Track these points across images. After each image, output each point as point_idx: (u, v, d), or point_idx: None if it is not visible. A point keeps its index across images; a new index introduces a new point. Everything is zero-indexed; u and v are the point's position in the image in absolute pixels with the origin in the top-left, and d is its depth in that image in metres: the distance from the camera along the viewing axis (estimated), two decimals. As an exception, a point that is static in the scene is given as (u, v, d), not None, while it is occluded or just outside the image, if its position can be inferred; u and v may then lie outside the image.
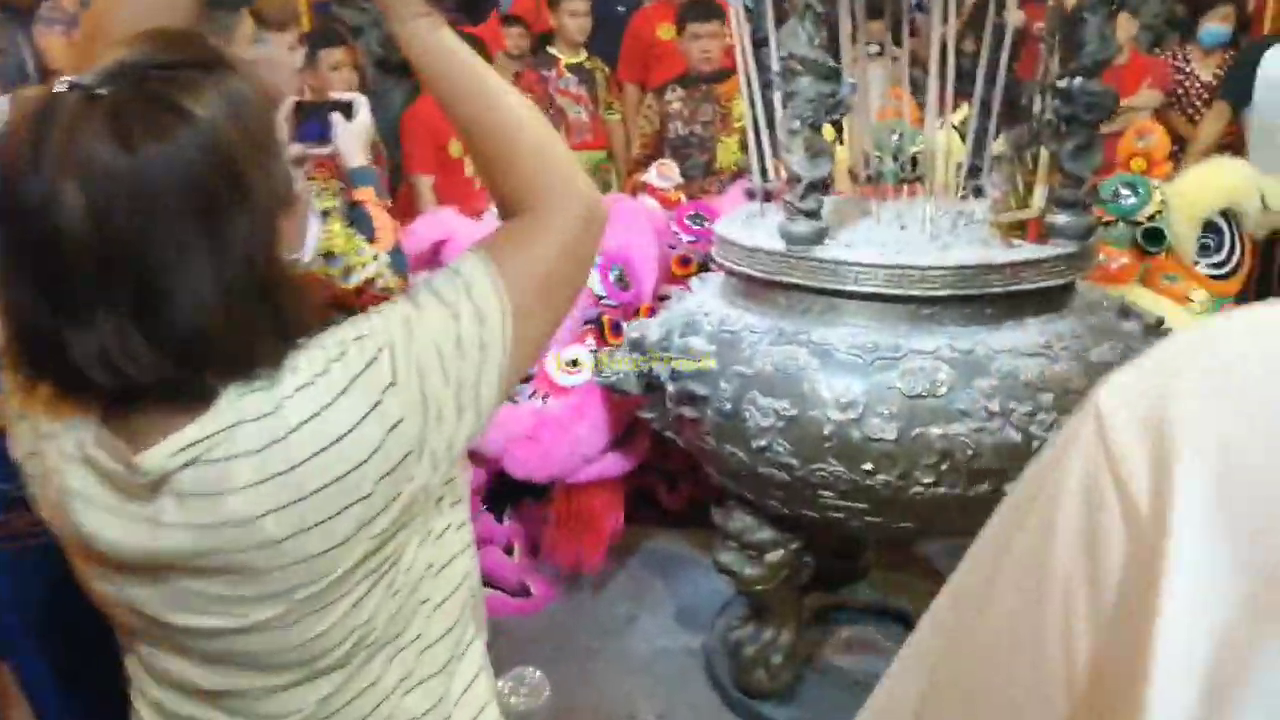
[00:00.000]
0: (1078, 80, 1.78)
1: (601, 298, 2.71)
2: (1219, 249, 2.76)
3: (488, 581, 2.82)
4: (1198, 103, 4.25)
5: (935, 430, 1.76)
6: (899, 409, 1.77)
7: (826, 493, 1.88)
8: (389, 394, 0.80)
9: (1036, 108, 1.87)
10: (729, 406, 1.92)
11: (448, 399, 0.83)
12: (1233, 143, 3.82)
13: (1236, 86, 3.77)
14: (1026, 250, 1.85)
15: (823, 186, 1.85)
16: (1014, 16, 2.04)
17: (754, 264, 1.96)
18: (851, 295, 1.85)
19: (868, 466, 1.81)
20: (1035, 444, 1.78)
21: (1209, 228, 2.74)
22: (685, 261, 3.06)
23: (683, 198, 3.39)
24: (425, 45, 0.87)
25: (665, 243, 3.11)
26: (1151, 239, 2.73)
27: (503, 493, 2.92)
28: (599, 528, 2.84)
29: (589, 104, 4.26)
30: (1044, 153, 1.90)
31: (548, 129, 0.91)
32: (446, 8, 0.97)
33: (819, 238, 1.87)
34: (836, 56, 1.82)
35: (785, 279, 1.91)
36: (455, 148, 3.72)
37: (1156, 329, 2.12)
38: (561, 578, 2.94)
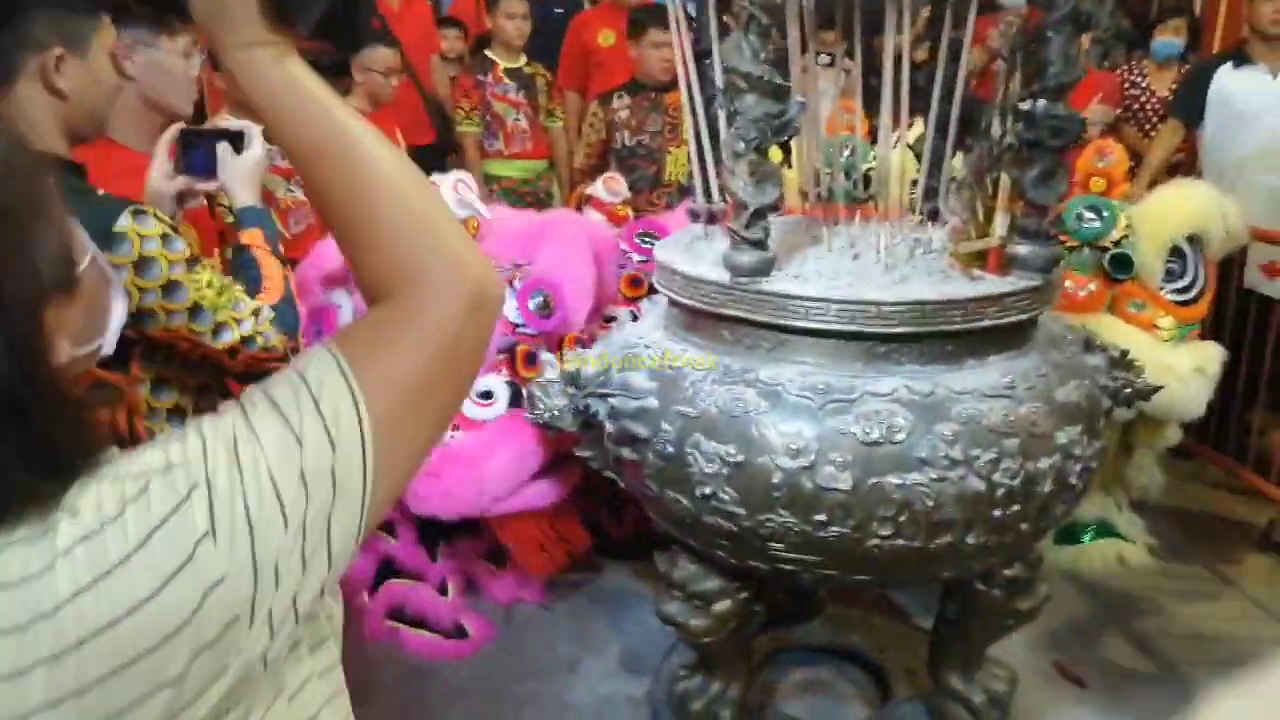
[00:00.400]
0: (1041, 103, 1.65)
1: (518, 326, 2.54)
2: (1183, 274, 2.68)
3: (419, 623, 2.65)
4: (1154, 118, 4.20)
5: (893, 479, 1.63)
6: (854, 456, 1.63)
7: (776, 544, 1.74)
8: (203, 547, 0.61)
9: (996, 130, 1.74)
10: (671, 450, 1.77)
11: (288, 549, 0.65)
12: (1186, 160, 3.77)
13: (1188, 104, 3.72)
14: (989, 284, 1.73)
15: (769, 213, 1.70)
16: (971, 30, 1.93)
17: (697, 295, 1.81)
18: (802, 331, 1.71)
19: (820, 518, 1.67)
20: (999, 492, 1.66)
21: (1173, 253, 2.65)
22: (636, 283, 2.90)
23: (630, 213, 3.24)
24: (268, 83, 0.69)
25: (613, 261, 2.95)
26: (1119, 265, 2.64)
27: (435, 526, 2.75)
28: (532, 561, 2.68)
29: (529, 111, 4.10)
30: (1005, 178, 1.78)
31: (427, 192, 0.74)
32: (300, 33, 0.83)
33: (766, 268, 1.73)
34: (785, 70, 1.67)
35: (730, 312, 1.76)
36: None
37: (1122, 363, 2.02)
38: (500, 616, 2.78)
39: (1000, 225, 1.81)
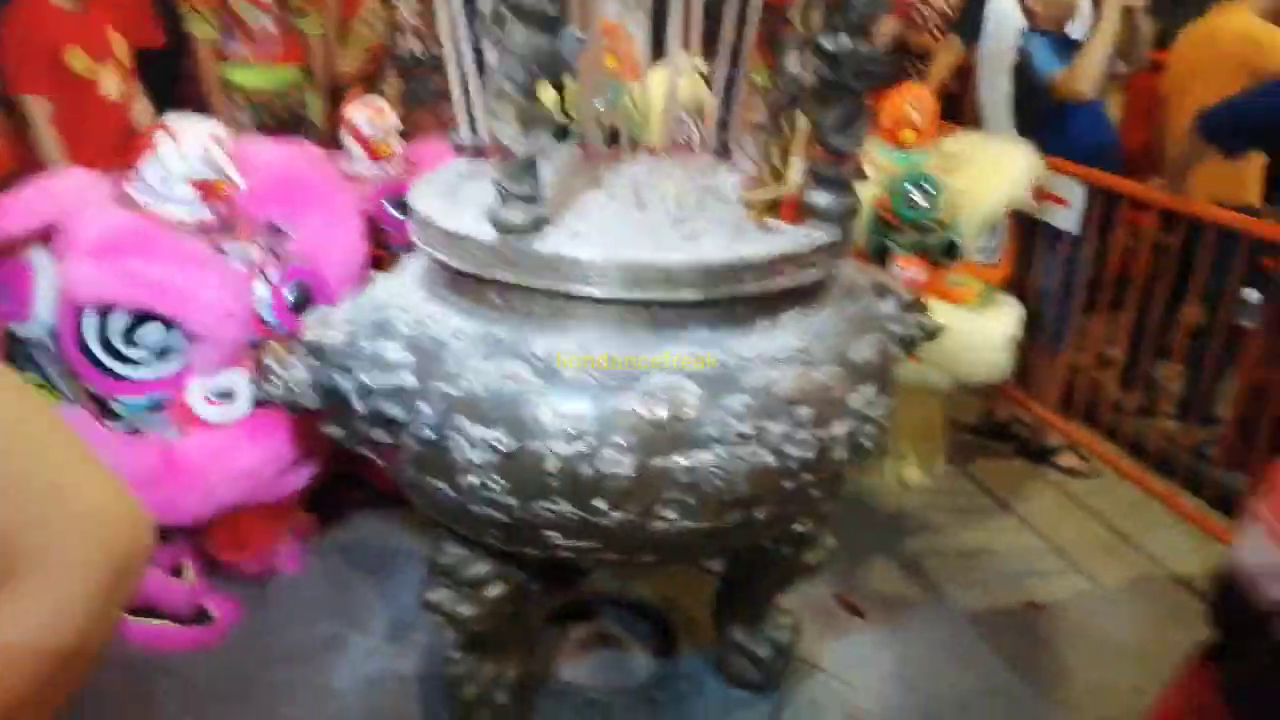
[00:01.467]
0: (844, 39, 1.47)
1: (269, 323, 2.19)
2: (990, 238, 2.64)
3: (151, 612, 2.30)
4: (935, 30, 4.21)
5: (680, 460, 1.47)
6: (638, 438, 1.45)
7: (552, 532, 1.55)
8: None
9: (794, 67, 1.55)
10: (431, 435, 1.53)
11: None
12: (962, 73, 3.79)
13: (966, 19, 3.72)
14: (784, 239, 1.57)
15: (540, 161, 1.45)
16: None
17: (460, 255, 1.55)
18: (582, 298, 1.49)
19: (600, 504, 1.49)
20: (791, 464, 1.54)
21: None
22: (386, 247, 2.55)
23: (396, 148, 2.82)
24: None
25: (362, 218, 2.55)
26: (948, 254, 2.57)
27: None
28: (268, 534, 2.38)
29: (276, 10, 3.50)
30: (802, 120, 1.60)
31: (47, 419, 0.57)
32: None
33: (538, 226, 1.48)
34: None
35: (499, 276, 1.51)
36: (77, 60, 2.92)
37: (913, 306, 1.94)
38: (252, 594, 2.47)
39: (796, 172, 1.65)
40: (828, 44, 1.45)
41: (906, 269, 2.55)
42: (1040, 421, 3.29)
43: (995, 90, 3.39)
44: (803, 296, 1.63)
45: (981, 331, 2.55)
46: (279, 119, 3.45)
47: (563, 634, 2.38)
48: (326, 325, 1.69)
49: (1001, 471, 3.27)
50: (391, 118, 2.79)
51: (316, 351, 1.66)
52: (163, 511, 2.05)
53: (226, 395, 2.13)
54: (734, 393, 1.49)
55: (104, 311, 2.07)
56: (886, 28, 3.97)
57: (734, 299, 1.53)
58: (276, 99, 3.50)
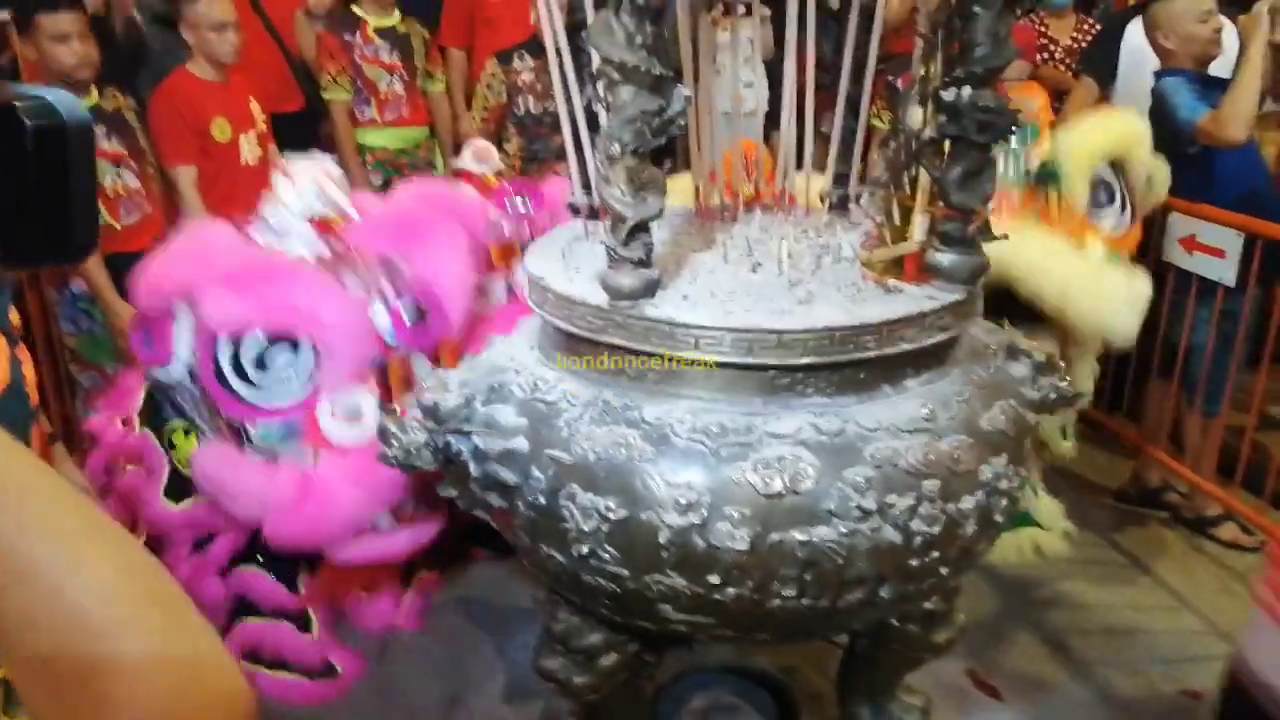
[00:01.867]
0: (966, 91, 1.41)
1: (387, 343, 2.24)
2: (1111, 201, 2.53)
3: (279, 664, 2.36)
4: (1064, 65, 4.08)
5: (796, 535, 1.40)
6: (752, 510, 1.39)
7: (665, 606, 1.50)
8: None
9: (915, 121, 1.49)
10: (543, 501, 1.51)
11: None
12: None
13: (1100, 59, 3.56)
14: (906, 300, 1.50)
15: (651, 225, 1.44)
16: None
17: (572, 318, 1.54)
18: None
19: (714, 580, 1.43)
20: (917, 541, 1.45)
21: (1098, 186, 2.50)
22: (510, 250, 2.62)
23: (507, 186, 2.91)
24: None
25: (483, 234, 2.64)
26: (1044, 179, 2.48)
27: (292, 554, 2.45)
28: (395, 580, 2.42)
29: (404, 74, 3.67)
30: (924, 175, 1.54)
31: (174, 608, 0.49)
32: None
33: (649, 290, 1.46)
34: (666, 55, 1.39)
35: (610, 340, 1.49)
36: (220, 129, 3.11)
37: (1047, 368, 1.82)
38: (373, 649, 2.50)
39: (919, 229, 1.58)
40: (948, 96, 1.39)
41: (1002, 197, 2.43)
42: (1197, 489, 3.04)
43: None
44: (928, 361, 1.55)
45: (1099, 271, 2.40)
46: (406, 177, 3.59)
47: (681, 703, 2.31)
48: (444, 388, 1.70)
49: (1153, 542, 3.03)
50: (493, 155, 2.87)
51: (432, 414, 1.67)
52: (302, 536, 2.14)
53: (354, 414, 2.18)
54: (855, 464, 1.42)
55: (237, 338, 2.17)
56: (1014, 72, 3.85)
57: (853, 364, 1.46)
58: (404, 157, 3.66)
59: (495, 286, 2.61)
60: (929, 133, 1.47)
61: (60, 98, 0.56)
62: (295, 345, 2.20)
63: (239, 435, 2.23)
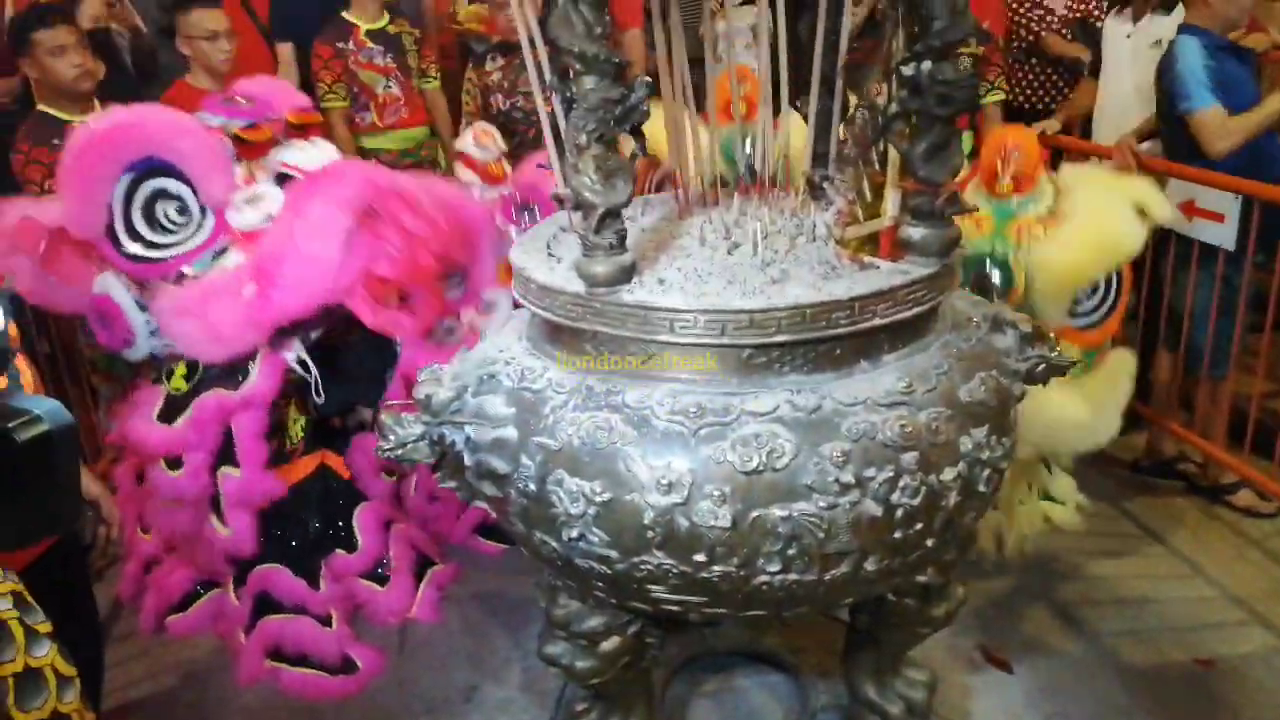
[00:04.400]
0: (926, 65, 1.43)
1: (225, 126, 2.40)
2: (1091, 296, 2.40)
3: (301, 660, 2.42)
4: (1064, 34, 4.08)
5: (777, 511, 1.43)
6: (732, 488, 1.42)
7: (656, 586, 1.53)
8: None
9: (882, 97, 1.52)
10: (533, 488, 1.54)
11: None
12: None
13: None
14: (878, 277, 1.51)
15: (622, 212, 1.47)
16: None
17: (554, 307, 1.58)
18: (670, 345, 1.49)
19: (701, 558, 1.46)
20: (898, 514, 1.47)
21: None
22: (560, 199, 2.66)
23: (506, 169, 2.95)
24: None
25: (489, 239, 2.68)
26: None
27: (310, 550, 2.52)
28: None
29: (399, 75, 3.72)
30: (894, 151, 1.56)
31: None
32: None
33: (625, 276, 1.49)
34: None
35: (590, 326, 1.53)
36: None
37: (1035, 338, 1.83)
38: (392, 642, 2.56)
39: (891, 205, 1.60)
40: (908, 70, 1.41)
41: None
42: (1209, 457, 3.02)
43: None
44: (905, 335, 1.57)
45: (1056, 411, 2.28)
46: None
47: (693, 686, 2.35)
48: (437, 381, 1.75)
49: (1167, 512, 3.02)
50: (496, 140, 2.89)
51: (427, 406, 1.72)
52: (291, 295, 2.22)
53: (254, 199, 2.31)
54: (832, 439, 1.44)
55: (125, 215, 2.29)
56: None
57: (828, 341, 1.49)
58: (408, 159, 3.71)
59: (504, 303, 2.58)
60: (893, 108, 1.49)
61: (47, 408, 0.62)
62: (170, 195, 2.32)
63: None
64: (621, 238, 1.48)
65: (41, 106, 2.94)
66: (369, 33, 3.69)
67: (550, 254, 1.71)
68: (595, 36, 1.34)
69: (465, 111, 3.64)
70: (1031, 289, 2.31)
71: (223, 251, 2.33)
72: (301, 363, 2.39)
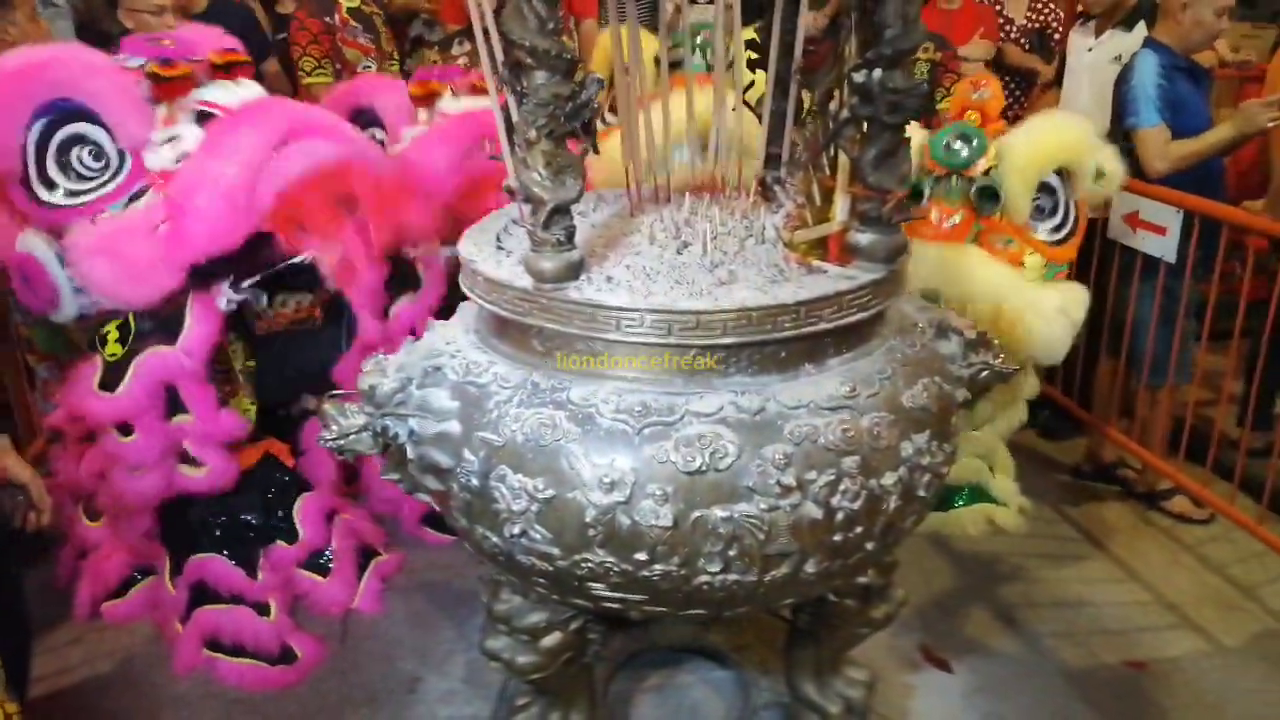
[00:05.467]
0: (877, 73, 1.44)
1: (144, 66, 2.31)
2: (1053, 212, 2.52)
3: (239, 651, 2.39)
4: (1022, 43, 4.14)
5: (718, 512, 1.43)
6: (675, 488, 1.42)
7: (596, 584, 1.53)
8: None
9: (834, 103, 1.52)
10: (475, 483, 1.53)
11: None
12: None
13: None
14: (825, 281, 1.52)
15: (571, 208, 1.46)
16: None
17: (501, 301, 1.57)
18: (616, 343, 1.48)
19: (641, 556, 1.46)
20: (838, 517, 1.48)
21: (1043, 189, 2.49)
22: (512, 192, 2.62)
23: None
24: None
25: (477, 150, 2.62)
26: (986, 198, 2.47)
27: (249, 538, 2.48)
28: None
29: (375, 56, 3.67)
30: (844, 156, 1.57)
31: None
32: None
33: (572, 273, 1.49)
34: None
35: (537, 323, 1.52)
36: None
37: (979, 344, 1.86)
38: (335, 631, 2.54)
39: (841, 209, 1.61)
40: (859, 78, 1.42)
41: (944, 215, 2.44)
42: (1146, 464, 3.09)
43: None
44: (850, 339, 1.58)
45: (1028, 297, 2.40)
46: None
47: (636, 681, 2.36)
48: (381, 372, 1.73)
49: (1106, 517, 3.08)
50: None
51: (370, 398, 1.70)
52: (210, 236, 2.14)
53: (171, 138, 2.24)
54: (774, 441, 1.45)
55: (39, 164, 2.19)
56: (979, 51, 3.89)
57: (774, 344, 1.49)
58: None
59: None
60: (844, 114, 1.50)
61: None
62: (86, 140, 2.22)
63: None
64: (570, 234, 1.47)
65: None
66: (350, 10, 3.64)
67: (500, 246, 1.71)
68: (547, 31, 1.33)
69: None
70: (1003, 165, 2.44)
71: (141, 193, 2.23)
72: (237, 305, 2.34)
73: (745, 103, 1.99)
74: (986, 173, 2.49)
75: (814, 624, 1.99)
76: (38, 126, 2.18)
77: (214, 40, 2.54)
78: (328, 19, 3.63)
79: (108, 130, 2.22)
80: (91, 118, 2.21)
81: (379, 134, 2.75)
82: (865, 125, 1.50)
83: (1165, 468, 3.01)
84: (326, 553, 2.60)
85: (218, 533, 2.44)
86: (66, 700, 2.34)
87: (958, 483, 2.89)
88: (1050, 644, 2.48)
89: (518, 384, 1.55)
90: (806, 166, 1.58)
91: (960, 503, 2.90)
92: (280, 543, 2.50)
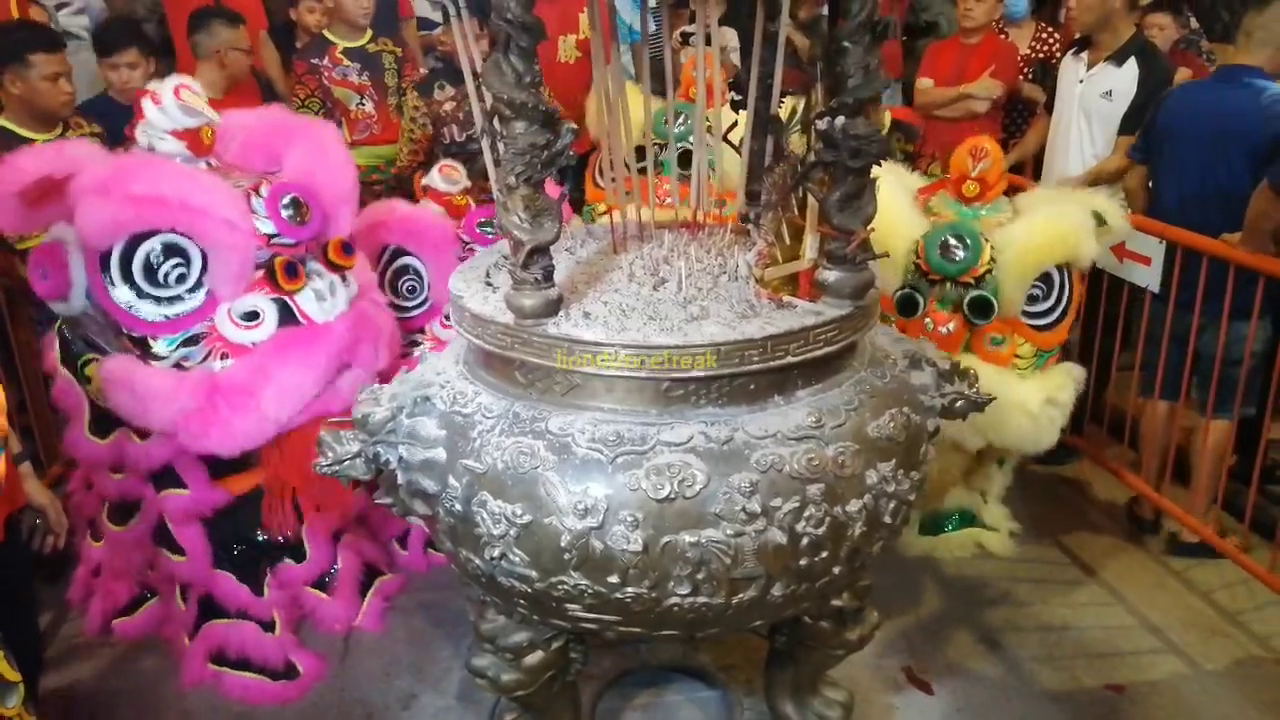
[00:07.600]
0: (840, 120, 1.51)
1: (272, 236, 2.30)
2: (1047, 297, 2.55)
3: (244, 665, 2.47)
4: (1026, 74, 4.22)
5: (687, 537, 1.50)
6: (645, 514, 1.50)
7: (573, 606, 1.61)
8: None
9: (800, 147, 1.60)
10: (459, 508, 1.62)
11: None
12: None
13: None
14: (792, 317, 1.60)
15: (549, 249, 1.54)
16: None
17: (486, 335, 1.65)
18: (593, 376, 1.56)
19: (614, 579, 1.54)
20: (803, 542, 1.55)
21: (1040, 277, 2.52)
22: None
23: (470, 203, 3.03)
24: None
25: (452, 253, 2.78)
26: (978, 311, 2.49)
27: (257, 556, 2.56)
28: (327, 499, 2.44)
29: (374, 93, 3.80)
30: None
31: None
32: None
33: (551, 309, 1.57)
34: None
35: (518, 356, 1.60)
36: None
37: (953, 374, 1.92)
38: (335, 648, 2.61)
39: (810, 247, 1.69)
40: (821, 125, 1.50)
41: (938, 322, 2.50)
42: (1136, 490, 3.13)
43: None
44: (818, 372, 1.66)
45: (1013, 397, 2.45)
46: (378, 196, 3.70)
47: (624, 699, 2.42)
48: (375, 401, 1.81)
49: (1094, 540, 3.12)
50: (461, 175, 2.95)
51: (364, 425, 1.78)
52: (222, 436, 2.19)
53: (252, 317, 2.26)
54: (741, 470, 1.53)
55: (124, 254, 2.19)
56: (984, 89, 3.98)
57: (743, 376, 1.57)
58: (376, 174, 3.76)
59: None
60: (811, 159, 1.58)
61: None
62: (183, 253, 2.22)
63: (143, 349, 2.25)
64: (548, 273, 1.56)
65: (3, 121, 2.98)
66: (346, 50, 3.78)
67: (488, 283, 1.79)
68: (525, 85, 1.42)
69: (409, 139, 3.67)
70: (997, 265, 2.47)
71: (195, 340, 2.25)
72: None
73: (727, 140, 2.06)
74: (981, 278, 2.49)
75: (791, 645, 2.06)
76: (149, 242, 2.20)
77: (340, 216, 2.46)
78: (314, 60, 3.79)
79: (204, 261, 2.22)
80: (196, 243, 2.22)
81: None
82: (831, 170, 1.58)
83: (1154, 494, 3.04)
84: (332, 572, 2.68)
85: (226, 550, 2.52)
86: (78, 713, 2.43)
87: (948, 510, 2.95)
88: (1032, 667, 2.53)
89: (500, 414, 1.63)
90: (776, 207, 1.65)
91: (950, 527, 2.96)
92: (288, 561, 2.59)
